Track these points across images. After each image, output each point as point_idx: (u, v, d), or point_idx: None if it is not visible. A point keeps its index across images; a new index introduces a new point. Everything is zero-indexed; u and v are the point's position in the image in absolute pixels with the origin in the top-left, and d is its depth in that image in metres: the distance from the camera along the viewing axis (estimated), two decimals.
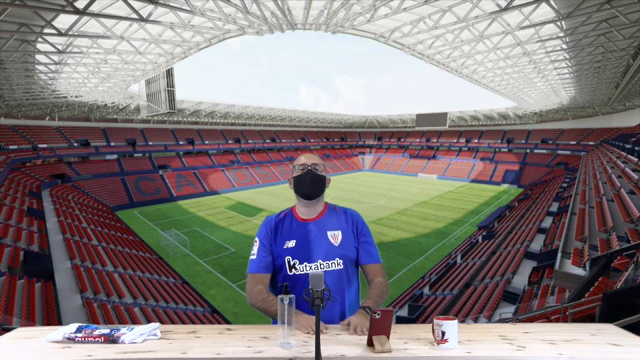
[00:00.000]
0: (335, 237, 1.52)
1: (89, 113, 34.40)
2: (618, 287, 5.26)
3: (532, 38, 12.35)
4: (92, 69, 16.34)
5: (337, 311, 1.46)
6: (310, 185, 1.51)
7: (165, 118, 40.45)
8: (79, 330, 1.13)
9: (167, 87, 23.90)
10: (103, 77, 18.54)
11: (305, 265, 1.47)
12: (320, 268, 1.46)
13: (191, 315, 11.47)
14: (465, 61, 16.33)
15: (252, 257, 1.53)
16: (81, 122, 34.75)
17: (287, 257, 1.49)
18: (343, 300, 1.47)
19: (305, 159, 1.55)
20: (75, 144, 32.66)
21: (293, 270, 1.48)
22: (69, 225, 16.65)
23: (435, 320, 1.10)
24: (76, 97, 24.70)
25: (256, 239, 1.56)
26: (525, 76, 19.27)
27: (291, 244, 1.50)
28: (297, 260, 1.48)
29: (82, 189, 29.19)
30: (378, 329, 1.08)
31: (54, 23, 9.86)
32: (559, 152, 41.25)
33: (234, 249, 18.98)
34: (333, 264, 1.48)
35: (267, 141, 51.26)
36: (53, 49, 12.18)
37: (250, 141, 48.95)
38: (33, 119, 31.11)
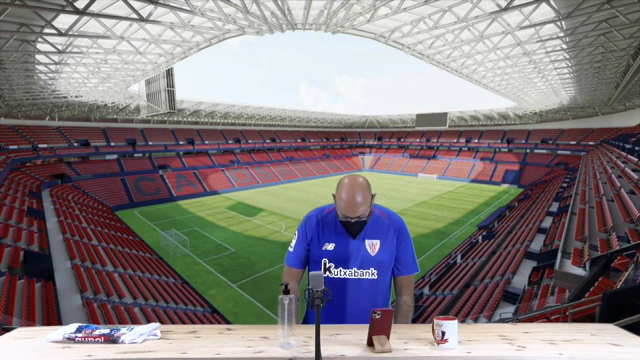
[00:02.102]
0: (372, 246, 1.50)
1: (89, 113, 34.40)
2: (618, 287, 5.26)
3: (532, 38, 12.34)
4: (92, 69, 16.34)
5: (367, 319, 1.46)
6: (353, 231, 1.50)
7: (165, 118, 40.44)
8: (79, 330, 1.12)
9: (167, 87, 23.91)
10: (103, 77, 18.54)
11: (340, 270, 1.49)
12: (355, 275, 1.48)
13: (191, 315, 11.46)
14: (465, 61, 16.32)
15: (290, 249, 1.59)
16: (81, 122, 34.75)
17: (324, 259, 1.50)
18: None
19: (348, 212, 1.41)
20: (75, 144, 32.66)
21: (327, 272, 1.49)
22: (69, 225, 16.64)
23: (435, 320, 1.10)
24: (76, 97, 24.69)
25: (296, 232, 1.60)
26: (525, 76, 19.26)
27: (330, 246, 1.51)
28: (332, 264, 1.50)
29: (82, 189, 29.18)
30: (378, 329, 1.08)
31: (54, 23, 9.85)
32: (559, 152, 41.25)
33: (234, 249, 18.98)
34: (367, 273, 1.49)
35: (267, 141, 51.25)
36: (53, 49, 12.18)
37: (250, 141, 48.94)
38: (33, 119, 31.10)
